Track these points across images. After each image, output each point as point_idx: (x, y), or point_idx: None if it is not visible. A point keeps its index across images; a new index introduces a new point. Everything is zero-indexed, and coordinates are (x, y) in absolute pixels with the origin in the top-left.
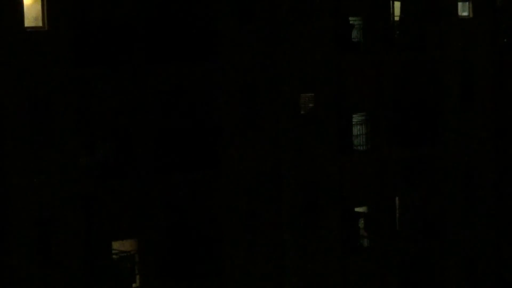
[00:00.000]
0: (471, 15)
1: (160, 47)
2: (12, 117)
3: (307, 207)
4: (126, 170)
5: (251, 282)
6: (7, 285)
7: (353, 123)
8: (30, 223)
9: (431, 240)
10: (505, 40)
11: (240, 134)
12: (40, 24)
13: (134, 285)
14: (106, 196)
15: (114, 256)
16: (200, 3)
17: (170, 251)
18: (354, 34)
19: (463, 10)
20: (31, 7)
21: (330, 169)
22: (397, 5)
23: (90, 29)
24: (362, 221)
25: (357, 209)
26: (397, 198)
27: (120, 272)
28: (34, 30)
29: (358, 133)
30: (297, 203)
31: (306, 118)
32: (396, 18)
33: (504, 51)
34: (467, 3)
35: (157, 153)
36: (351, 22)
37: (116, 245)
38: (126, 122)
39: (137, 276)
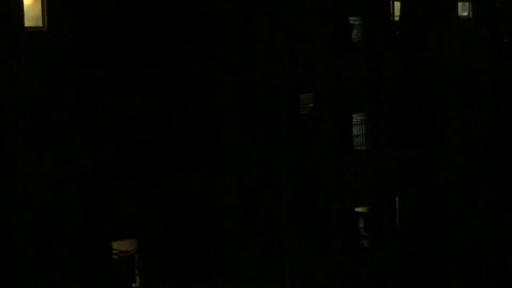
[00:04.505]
0: (471, 15)
1: (160, 47)
2: (12, 117)
3: (307, 207)
4: (126, 170)
5: (251, 282)
6: (7, 285)
7: (353, 123)
8: (30, 223)
9: (431, 240)
10: (505, 40)
11: (240, 134)
12: (40, 24)
13: (134, 285)
14: (106, 196)
15: (114, 256)
16: (200, 3)
17: (170, 251)
18: (354, 34)
19: (463, 10)
20: (31, 7)
21: (330, 169)
22: (397, 5)
23: (90, 29)
24: (362, 221)
25: (357, 209)
26: (397, 198)
27: (120, 272)
28: (34, 30)
29: (358, 133)
30: (297, 203)
31: (306, 118)
32: (396, 18)
33: (504, 51)
34: (467, 3)
35: (157, 153)
36: (351, 22)
37: (116, 245)
38: (126, 122)
39: (137, 276)
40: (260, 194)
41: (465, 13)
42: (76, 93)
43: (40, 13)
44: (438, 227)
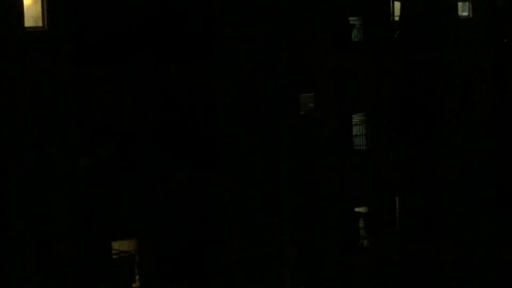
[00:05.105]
0: (471, 15)
1: (160, 47)
2: (12, 117)
3: (307, 207)
4: (126, 170)
5: (251, 282)
6: (7, 285)
7: (353, 123)
8: (30, 223)
9: (431, 240)
10: (505, 40)
11: (240, 134)
12: (40, 24)
13: (134, 285)
14: (106, 196)
15: (114, 256)
16: (200, 3)
17: (170, 251)
18: (354, 34)
19: (463, 10)
20: (31, 7)
21: (330, 169)
22: (397, 5)
23: (90, 28)
24: (362, 221)
25: (357, 209)
26: (397, 198)
27: (120, 272)
28: (34, 30)
29: (358, 133)
30: (297, 203)
31: (306, 118)
32: (396, 18)
33: (504, 51)
34: (467, 3)
35: (157, 153)
36: (351, 22)
37: (116, 245)
38: (126, 122)
39: (137, 276)
40: (260, 194)
41: (465, 13)
42: (76, 93)
43: (40, 13)
44: (438, 227)
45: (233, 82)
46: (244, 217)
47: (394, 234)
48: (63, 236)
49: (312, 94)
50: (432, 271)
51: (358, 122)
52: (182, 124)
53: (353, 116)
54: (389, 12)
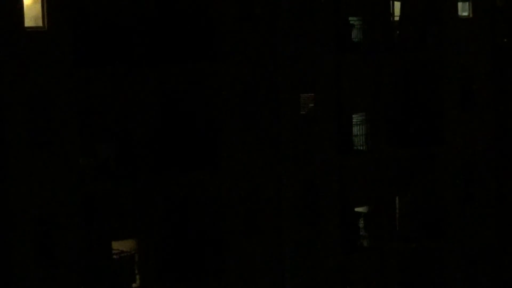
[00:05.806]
0: (471, 15)
1: (160, 47)
2: (12, 117)
3: (307, 207)
4: (126, 170)
5: (251, 282)
6: (7, 285)
7: (353, 123)
8: (30, 223)
9: (431, 240)
10: (505, 40)
11: (240, 134)
12: (40, 24)
13: (134, 285)
14: (106, 196)
15: (114, 256)
16: (200, 3)
17: (170, 251)
18: (354, 34)
19: (463, 10)
20: (31, 7)
21: (330, 169)
22: (397, 5)
23: (90, 29)
24: (362, 221)
25: (357, 209)
26: (397, 198)
27: (120, 272)
28: (34, 30)
29: (358, 133)
30: (297, 203)
31: (306, 118)
32: (396, 18)
33: (504, 51)
34: (467, 3)
35: (157, 153)
36: (351, 22)
37: (116, 245)
38: (126, 122)
39: (137, 276)
40: (260, 194)
41: (465, 13)
42: (76, 93)
43: (40, 13)
44: (438, 227)
45: (233, 82)
46: (244, 217)
47: (394, 234)
48: (63, 236)
49: (312, 94)
50: (432, 270)
51: (358, 122)
52: (182, 124)
53: (353, 116)
54: (389, 12)
